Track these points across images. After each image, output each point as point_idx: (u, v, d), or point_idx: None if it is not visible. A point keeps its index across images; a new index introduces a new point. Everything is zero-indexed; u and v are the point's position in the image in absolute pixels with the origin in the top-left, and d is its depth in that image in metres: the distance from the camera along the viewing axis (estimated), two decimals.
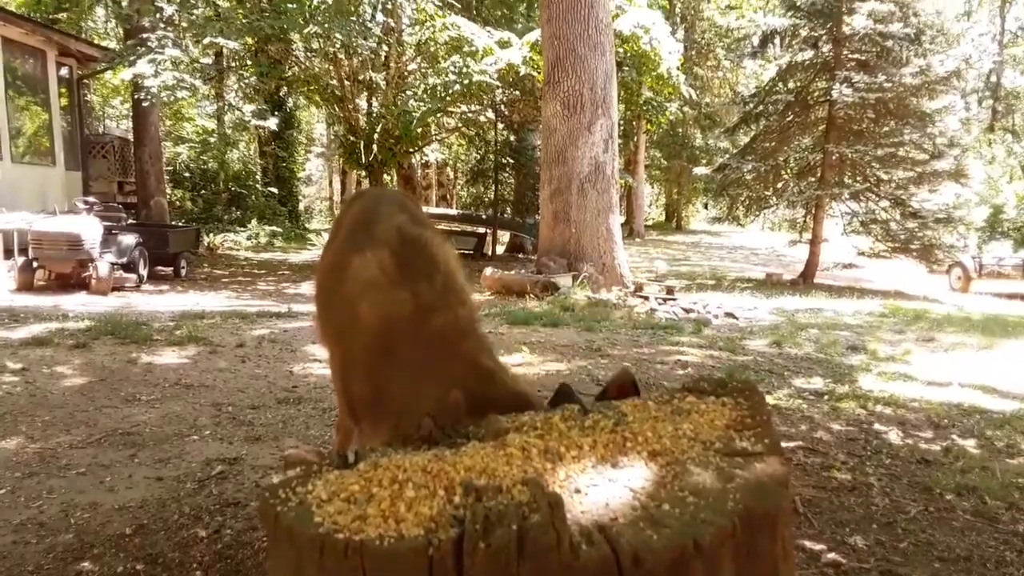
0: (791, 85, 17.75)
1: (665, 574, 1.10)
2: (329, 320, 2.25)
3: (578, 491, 1.27)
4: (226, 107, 19.37)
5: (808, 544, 3.21)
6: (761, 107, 17.90)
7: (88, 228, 10.73)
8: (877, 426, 5.02)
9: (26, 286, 10.47)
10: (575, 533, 1.13)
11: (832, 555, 3.11)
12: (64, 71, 17.00)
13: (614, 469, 1.35)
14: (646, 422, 1.52)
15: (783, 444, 4.41)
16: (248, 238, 20.65)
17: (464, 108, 18.63)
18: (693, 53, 32.36)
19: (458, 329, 1.89)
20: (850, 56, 16.75)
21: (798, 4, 17.03)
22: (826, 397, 5.76)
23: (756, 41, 19.32)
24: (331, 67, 17.31)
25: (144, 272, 12.15)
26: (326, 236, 3.06)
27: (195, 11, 15.12)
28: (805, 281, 16.50)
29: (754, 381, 6.08)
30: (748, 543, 1.20)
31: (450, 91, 15.53)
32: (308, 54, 17.17)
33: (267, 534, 1.40)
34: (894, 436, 4.80)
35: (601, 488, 1.28)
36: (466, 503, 1.20)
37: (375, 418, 1.84)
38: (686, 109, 27.31)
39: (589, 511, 1.21)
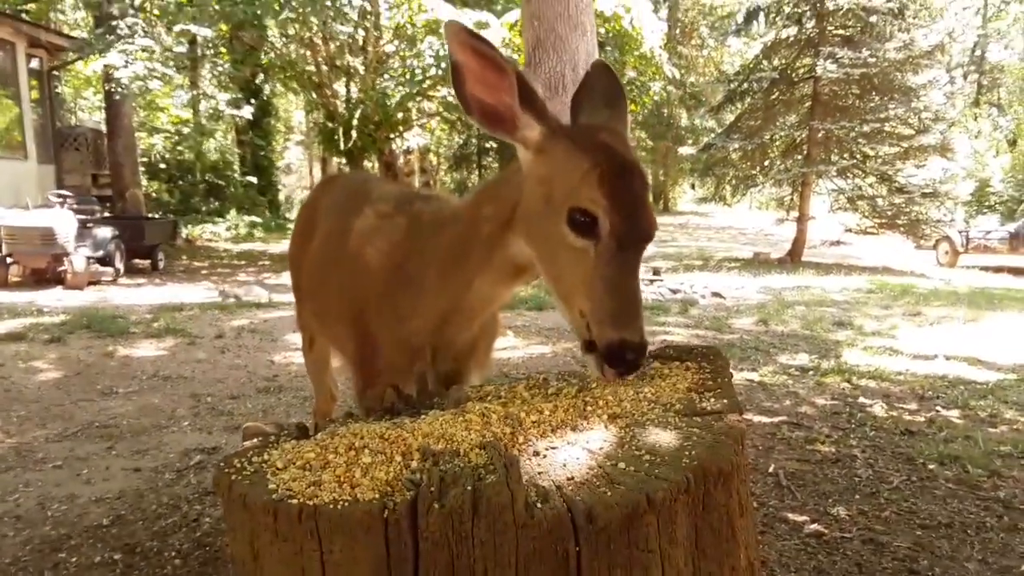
0: (776, 62, 17.73)
1: (619, 528, 1.10)
2: (336, 289, 2.17)
3: (537, 453, 1.27)
4: (201, 96, 19.11)
5: (791, 516, 3.22)
6: (746, 85, 17.88)
7: (62, 222, 10.57)
8: (862, 399, 5.03)
9: (1, 282, 10.34)
10: (532, 493, 1.12)
11: (815, 526, 3.11)
12: (34, 63, 16.68)
13: (573, 432, 1.34)
14: (608, 388, 1.51)
15: (767, 419, 4.44)
16: (227, 229, 20.41)
17: (445, 92, 18.51)
18: (677, 32, 32.27)
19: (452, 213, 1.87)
20: (834, 32, 16.75)
21: None
22: (811, 372, 5.77)
23: (740, 18, 19.30)
24: (308, 53, 17.14)
25: (120, 265, 11.97)
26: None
27: None
28: (792, 259, 16.55)
29: (739, 357, 6.13)
30: (703, 497, 1.20)
31: (428, 74, 15.40)
32: (284, 40, 16.97)
33: (222, 503, 1.38)
34: (879, 409, 4.82)
35: (560, 450, 1.27)
36: (423, 467, 1.19)
37: (405, 359, 1.84)
38: (670, 89, 27.24)
39: (547, 472, 1.21)
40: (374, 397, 1.63)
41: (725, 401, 1.43)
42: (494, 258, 1.64)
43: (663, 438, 1.28)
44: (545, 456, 1.26)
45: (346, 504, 1.13)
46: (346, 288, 2.04)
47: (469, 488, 1.10)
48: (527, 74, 11.55)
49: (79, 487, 3.49)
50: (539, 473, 1.20)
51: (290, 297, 3.33)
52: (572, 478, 1.17)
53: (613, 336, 1.32)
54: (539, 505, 1.09)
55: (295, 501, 1.15)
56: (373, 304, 1.91)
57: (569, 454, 1.26)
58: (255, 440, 1.43)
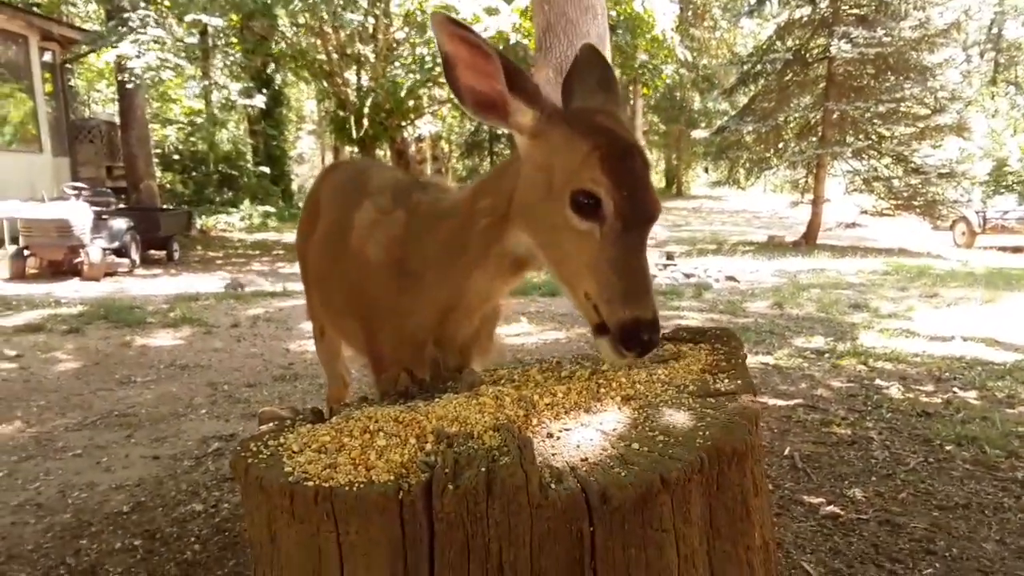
0: (789, 43, 17.55)
1: (634, 508, 1.10)
2: (339, 284, 2.17)
3: (550, 435, 1.27)
4: (213, 86, 19.12)
5: (807, 498, 3.21)
6: (759, 67, 17.73)
7: (78, 214, 10.67)
8: (878, 381, 5.00)
9: (18, 274, 10.47)
10: (546, 474, 1.12)
11: (831, 507, 3.10)
12: (47, 56, 16.73)
13: (587, 414, 1.35)
14: (621, 370, 1.50)
15: (783, 402, 4.42)
16: (241, 219, 20.49)
17: None
18: (689, 14, 31.88)
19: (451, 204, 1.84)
20: (848, 11, 16.55)
21: None
22: (827, 355, 5.74)
23: None
24: (318, 41, 17.12)
25: (136, 256, 12.11)
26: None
27: None
28: (808, 242, 16.44)
29: (754, 340, 6.10)
30: (717, 477, 1.21)
31: (438, 61, 15.35)
32: (294, 29, 16.95)
33: (240, 486, 1.40)
34: (895, 391, 4.79)
35: (573, 432, 1.28)
36: (437, 449, 1.20)
37: (411, 354, 1.82)
38: (683, 72, 27.04)
39: (561, 453, 1.21)
40: (388, 381, 1.64)
41: (739, 382, 1.43)
42: (491, 252, 1.62)
43: (677, 419, 1.28)
44: (559, 438, 1.26)
45: (361, 486, 1.14)
46: (349, 284, 2.04)
47: (483, 469, 1.11)
48: (537, 59, 11.51)
49: (99, 475, 3.53)
50: (553, 454, 1.20)
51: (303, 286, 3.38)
52: (586, 459, 1.18)
53: (625, 315, 1.30)
54: (553, 486, 1.10)
55: (311, 483, 1.16)
56: (376, 299, 1.91)
57: (583, 436, 1.26)
58: (271, 424, 1.44)
